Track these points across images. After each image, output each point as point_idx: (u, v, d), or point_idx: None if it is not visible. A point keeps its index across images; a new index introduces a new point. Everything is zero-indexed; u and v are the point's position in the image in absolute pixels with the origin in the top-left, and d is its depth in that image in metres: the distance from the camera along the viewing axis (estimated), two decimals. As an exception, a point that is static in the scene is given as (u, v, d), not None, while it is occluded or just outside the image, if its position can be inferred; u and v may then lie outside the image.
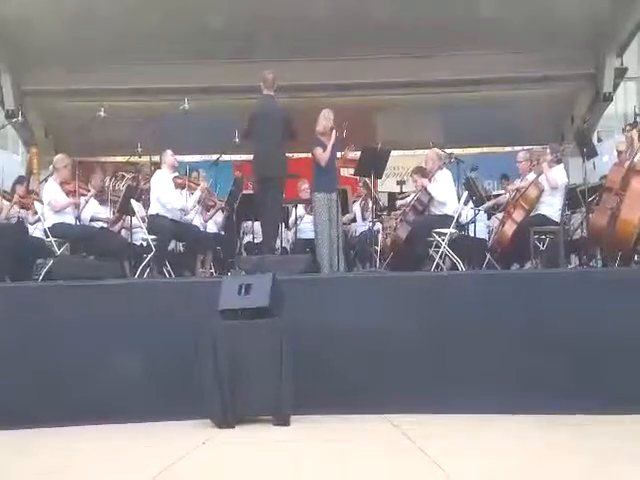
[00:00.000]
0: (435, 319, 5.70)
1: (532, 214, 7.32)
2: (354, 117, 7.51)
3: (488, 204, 8.07)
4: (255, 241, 8.23)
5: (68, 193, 7.49)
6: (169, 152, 7.64)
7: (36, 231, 7.59)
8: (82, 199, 7.59)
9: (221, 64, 9.16)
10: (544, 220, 7.28)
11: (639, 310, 5.59)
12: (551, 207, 7.31)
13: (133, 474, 3.77)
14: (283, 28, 8.52)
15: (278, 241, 7.40)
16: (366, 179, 8.04)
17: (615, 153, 7.66)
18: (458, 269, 7.23)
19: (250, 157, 7.48)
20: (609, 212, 6.76)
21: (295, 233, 8.30)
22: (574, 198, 7.68)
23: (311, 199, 7.32)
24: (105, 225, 7.95)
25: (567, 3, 8.45)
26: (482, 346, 5.59)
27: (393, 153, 7.94)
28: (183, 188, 7.72)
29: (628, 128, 7.44)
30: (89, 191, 7.75)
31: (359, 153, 7.41)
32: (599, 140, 10.47)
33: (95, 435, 5.12)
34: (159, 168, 7.75)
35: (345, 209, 7.77)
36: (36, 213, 7.65)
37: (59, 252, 7.24)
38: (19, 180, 8.07)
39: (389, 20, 8.51)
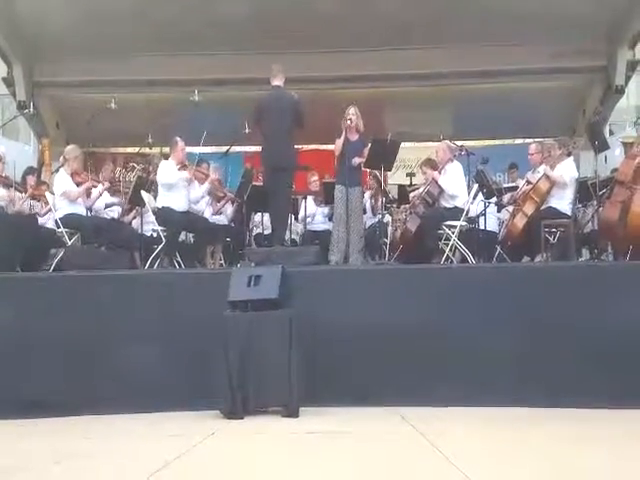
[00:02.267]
0: (445, 312, 5.70)
1: (543, 207, 7.29)
2: (363, 109, 7.47)
3: (505, 197, 8.03)
4: (265, 233, 8.24)
5: (79, 184, 7.51)
6: (180, 145, 7.49)
7: (48, 222, 7.62)
8: (94, 190, 7.62)
9: (231, 56, 9.13)
10: (555, 213, 7.24)
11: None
12: (562, 200, 7.27)
13: (142, 463, 3.79)
14: (293, 20, 8.49)
15: (288, 233, 7.39)
16: (376, 172, 8.02)
17: (622, 147, 7.60)
18: (468, 262, 7.21)
19: (260, 149, 7.48)
20: (620, 205, 6.74)
21: (305, 225, 8.30)
22: (585, 191, 7.64)
23: None
24: (119, 210, 7.97)
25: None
26: (493, 339, 5.58)
27: (403, 145, 7.92)
28: (191, 177, 7.69)
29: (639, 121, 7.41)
30: (99, 182, 7.78)
31: (369, 145, 7.41)
32: (611, 133, 10.41)
33: (103, 424, 5.15)
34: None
35: (362, 205, 7.75)
36: (47, 204, 7.68)
37: (70, 242, 7.27)
38: (29, 171, 8.11)
39: (399, 11, 8.47)
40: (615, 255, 7.28)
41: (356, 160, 7.15)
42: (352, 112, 7.21)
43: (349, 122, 7.12)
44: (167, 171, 7.45)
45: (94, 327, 5.71)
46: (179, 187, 7.43)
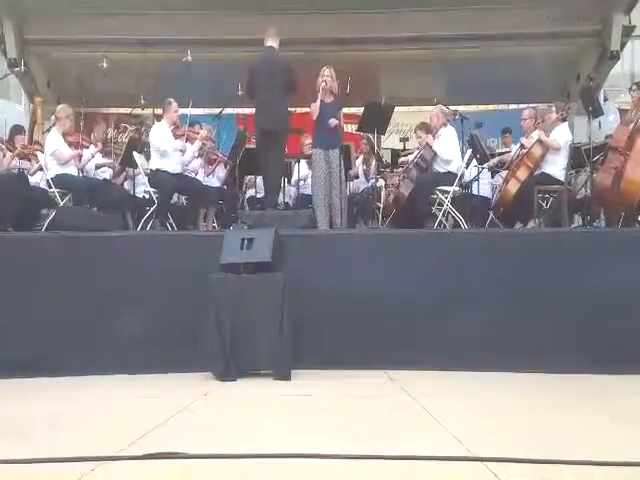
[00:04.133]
0: (436, 277, 5.75)
1: (536, 173, 7.29)
2: (357, 72, 7.44)
3: (492, 161, 8.02)
4: (257, 196, 8.21)
5: (70, 144, 7.46)
6: (173, 106, 7.46)
7: (41, 182, 7.57)
8: (86, 152, 7.57)
9: (225, 16, 8.99)
10: (548, 179, 7.25)
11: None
12: (555, 166, 7.27)
13: (136, 423, 3.82)
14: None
15: (281, 196, 7.37)
16: (369, 135, 7.98)
17: (619, 112, 7.58)
18: (461, 227, 7.22)
19: (253, 110, 7.42)
20: (613, 172, 6.74)
21: (298, 188, 8.29)
22: (578, 157, 7.62)
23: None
24: (111, 171, 7.92)
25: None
26: (483, 304, 5.64)
27: (397, 109, 7.87)
28: (183, 138, 7.65)
29: (634, 88, 7.37)
30: (91, 143, 7.72)
31: (362, 109, 7.37)
32: (605, 99, 10.34)
33: (97, 386, 5.17)
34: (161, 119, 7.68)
35: (348, 165, 7.72)
36: (37, 163, 7.62)
37: (62, 203, 7.24)
38: (17, 130, 8.01)
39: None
40: (607, 222, 7.30)
41: (333, 121, 7.05)
42: (327, 74, 7.13)
43: (323, 84, 7.04)
44: (160, 136, 7.40)
45: (86, 288, 5.72)
46: (172, 153, 7.39)
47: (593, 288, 5.59)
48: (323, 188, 7.01)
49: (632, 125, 6.73)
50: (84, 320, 5.63)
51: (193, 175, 7.85)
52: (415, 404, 4.32)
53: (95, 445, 3.34)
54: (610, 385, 5.10)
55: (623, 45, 9.64)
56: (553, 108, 7.55)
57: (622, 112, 7.31)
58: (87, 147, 7.67)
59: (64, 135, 7.46)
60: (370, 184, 8.01)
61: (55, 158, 7.30)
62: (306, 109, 7.37)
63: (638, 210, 6.85)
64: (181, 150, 7.51)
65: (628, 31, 9.63)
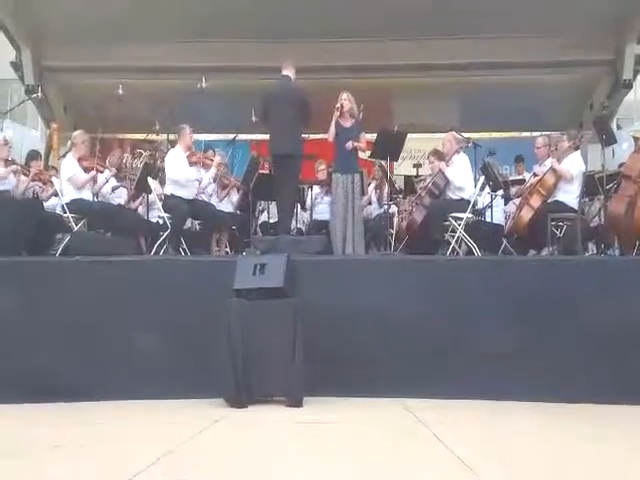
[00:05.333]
0: (450, 303, 5.69)
1: (550, 200, 7.28)
2: (371, 99, 7.47)
3: (515, 191, 8.01)
4: (271, 221, 8.23)
5: (86, 169, 7.52)
6: (187, 131, 7.55)
7: (57, 207, 7.62)
8: (101, 176, 7.63)
9: (239, 44, 9.11)
10: (561, 207, 7.22)
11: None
12: (569, 194, 7.24)
13: (145, 450, 3.79)
14: (301, 9, 8.46)
15: (294, 222, 7.39)
16: (382, 162, 8.01)
17: (632, 141, 7.58)
18: (474, 254, 7.20)
19: (267, 137, 7.48)
20: (627, 200, 6.72)
21: (311, 214, 8.30)
22: (592, 185, 7.61)
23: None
24: (125, 196, 7.97)
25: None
26: (497, 332, 5.57)
27: (410, 136, 7.90)
28: (198, 165, 7.71)
29: (648, 115, 7.39)
30: (106, 168, 7.78)
31: (375, 135, 7.40)
32: (618, 127, 10.39)
33: (109, 411, 5.16)
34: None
35: (361, 192, 7.74)
36: (52, 188, 7.68)
37: (77, 228, 7.28)
38: (34, 156, 8.10)
39: (407, 1, 8.43)
40: (622, 250, 7.26)
41: (350, 144, 7.10)
42: (344, 97, 7.17)
43: (340, 107, 7.08)
44: (175, 163, 7.45)
45: (99, 313, 5.70)
46: (186, 184, 7.46)
47: (609, 316, 5.52)
48: (342, 212, 7.03)
49: (645, 153, 6.73)
50: (98, 345, 5.60)
51: (208, 198, 7.87)
52: (428, 432, 4.28)
53: (103, 472, 3.32)
54: (623, 415, 5.02)
55: (636, 74, 9.70)
56: (565, 137, 7.55)
57: (635, 140, 7.28)
58: (102, 172, 7.72)
59: (79, 160, 7.52)
60: (383, 210, 8.02)
61: (71, 183, 7.35)
62: (320, 135, 7.42)
63: (652, 238, 6.82)
64: (197, 180, 7.57)
65: (641, 60, 9.67)
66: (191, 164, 7.63)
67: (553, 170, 7.26)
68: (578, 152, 7.50)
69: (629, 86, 9.77)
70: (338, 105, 7.12)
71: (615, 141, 7.76)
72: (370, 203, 8.58)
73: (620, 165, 7.71)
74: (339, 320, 5.58)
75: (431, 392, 5.40)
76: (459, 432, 4.34)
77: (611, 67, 9.77)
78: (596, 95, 10.04)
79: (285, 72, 7.20)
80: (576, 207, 7.24)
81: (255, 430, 4.54)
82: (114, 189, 7.96)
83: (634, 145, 7.22)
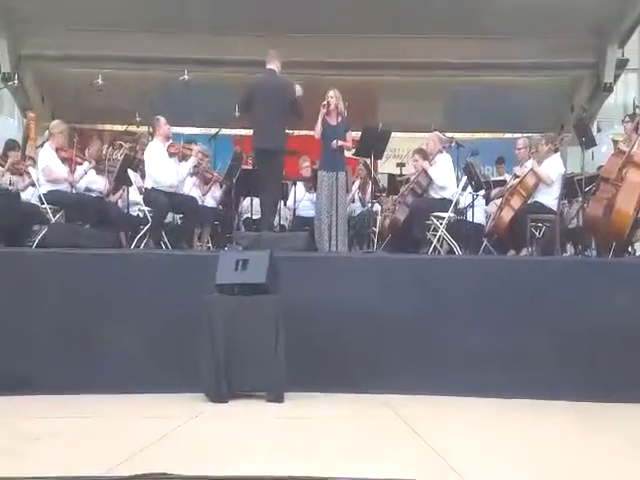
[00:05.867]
0: (431, 302, 5.74)
1: (529, 201, 7.34)
2: (355, 97, 7.47)
3: (495, 192, 8.07)
4: (253, 217, 8.19)
5: (64, 160, 7.41)
6: (162, 121, 7.46)
7: (32, 197, 7.50)
8: (79, 168, 7.52)
9: (223, 37, 9.04)
10: (541, 208, 7.29)
11: (631, 299, 5.63)
12: (548, 195, 7.33)
13: (125, 443, 3.77)
14: (287, 4, 8.41)
15: (277, 218, 7.36)
16: (366, 160, 8.01)
17: (611, 144, 7.67)
18: (455, 253, 7.24)
19: (250, 132, 7.43)
20: (605, 202, 6.78)
21: (294, 211, 8.28)
22: (571, 187, 7.68)
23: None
24: (100, 195, 7.88)
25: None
26: (476, 330, 5.63)
27: (394, 135, 7.91)
28: (178, 156, 7.62)
29: (627, 119, 7.47)
30: (86, 160, 7.68)
31: (360, 133, 7.40)
32: (598, 130, 10.49)
33: (90, 405, 5.09)
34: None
35: (346, 189, 7.73)
36: (29, 178, 7.56)
37: (54, 219, 7.17)
38: (11, 146, 7.96)
39: (395, 1, 8.44)
40: (599, 251, 7.34)
41: (335, 143, 7.09)
42: (331, 94, 7.17)
43: (327, 104, 7.07)
44: (155, 156, 7.37)
45: (78, 306, 5.64)
46: (167, 169, 7.37)
47: (585, 316, 5.60)
48: (327, 210, 7.02)
49: (624, 157, 6.79)
50: (77, 338, 5.54)
51: (189, 190, 7.81)
52: (406, 427, 4.30)
53: (83, 464, 3.29)
54: (601, 414, 5.10)
55: (617, 77, 9.78)
56: (543, 141, 7.63)
57: (615, 143, 7.37)
58: (80, 163, 7.61)
59: (57, 151, 7.40)
60: (366, 208, 8.03)
61: (45, 174, 7.24)
62: (305, 132, 7.39)
63: (628, 240, 6.90)
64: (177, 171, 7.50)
65: (622, 64, 9.78)
66: (171, 155, 7.54)
67: (533, 172, 7.32)
68: (558, 154, 7.57)
69: (610, 90, 9.86)
70: (325, 102, 7.10)
71: (595, 144, 7.84)
72: (353, 201, 8.59)
73: (599, 168, 7.79)
74: (321, 317, 5.60)
75: (413, 389, 5.43)
76: (438, 427, 4.36)
77: (593, 70, 9.85)
78: (577, 98, 10.13)
79: (270, 66, 7.16)
80: (555, 209, 7.31)
81: (233, 425, 4.52)
82: (88, 190, 7.80)
83: (613, 148, 7.30)
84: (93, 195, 7.74)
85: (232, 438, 4.07)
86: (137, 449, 3.59)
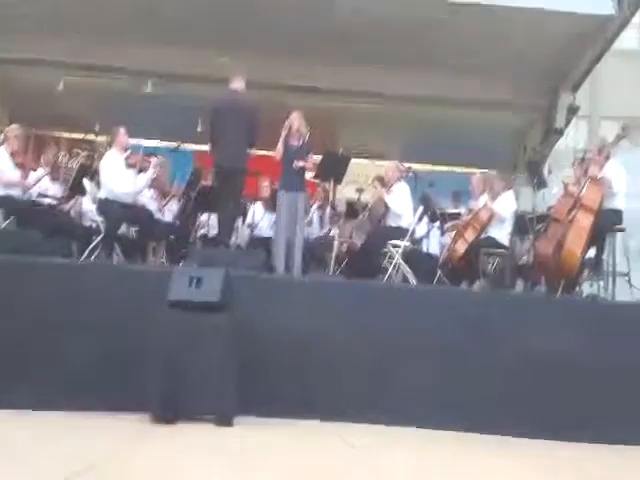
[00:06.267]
0: (384, 329, 5.74)
1: (483, 236, 7.49)
2: (318, 122, 7.50)
3: (448, 225, 8.19)
4: (210, 234, 8.13)
5: (18, 165, 7.27)
6: (122, 131, 7.39)
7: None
8: (33, 174, 7.37)
9: (189, 51, 8.96)
10: (493, 243, 7.45)
11: (578, 338, 5.75)
12: (501, 231, 7.51)
13: (61, 464, 3.65)
14: (255, 24, 8.44)
15: (234, 237, 7.32)
16: (325, 184, 8.06)
17: (562, 185, 7.88)
18: (410, 282, 7.31)
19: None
20: (555, 242, 6.93)
21: (252, 230, 8.25)
22: (523, 225, 7.85)
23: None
24: (53, 203, 7.72)
25: (531, 37, 8.65)
26: (427, 359, 5.66)
27: (354, 161, 7.98)
28: (136, 167, 7.54)
29: (577, 163, 7.69)
30: (40, 167, 7.53)
31: (320, 157, 7.45)
32: (549, 172, 10.73)
33: (28, 422, 4.85)
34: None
35: (304, 211, 7.75)
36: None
37: (3, 225, 7.00)
38: None
39: (358, 31, 8.53)
40: (548, 288, 7.50)
41: (298, 164, 7.11)
42: (294, 116, 7.23)
43: (289, 126, 7.11)
44: (111, 166, 7.27)
45: (23, 316, 5.43)
46: (123, 180, 7.28)
47: (530, 350, 5.67)
48: (285, 230, 7.01)
49: (573, 199, 6.99)
50: (18, 351, 5.33)
51: (148, 202, 7.70)
52: (359, 457, 4.28)
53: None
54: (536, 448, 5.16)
55: (568, 122, 10.05)
56: (499, 177, 7.80)
57: (565, 185, 7.59)
58: (35, 170, 7.47)
59: (12, 155, 7.26)
60: (324, 232, 8.06)
61: (-1, 179, 7.08)
62: (265, 152, 7.40)
63: (576, 280, 7.07)
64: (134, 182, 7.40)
65: (573, 110, 10.06)
66: (129, 166, 7.46)
67: (487, 207, 7.48)
68: (511, 192, 7.77)
69: (560, 133, 10.13)
70: (287, 124, 7.13)
71: (546, 185, 8.05)
72: (311, 224, 8.62)
73: (549, 208, 7.99)
74: (275, 339, 5.53)
75: (366, 418, 5.41)
76: (388, 458, 4.35)
77: (545, 114, 10.11)
78: (529, 139, 10.38)
79: (234, 85, 7.16)
80: (507, 244, 7.46)
81: (178, 449, 4.38)
82: (41, 196, 7.64)
83: (563, 190, 7.51)
84: (46, 202, 7.58)
85: (173, 463, 3.97)
86: (75, 471, 3.48)
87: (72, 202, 7.93)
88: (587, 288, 7.59)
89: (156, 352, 5.13)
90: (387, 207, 7.56)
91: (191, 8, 8.16)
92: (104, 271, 6.08)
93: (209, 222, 8.23)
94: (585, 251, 6.78)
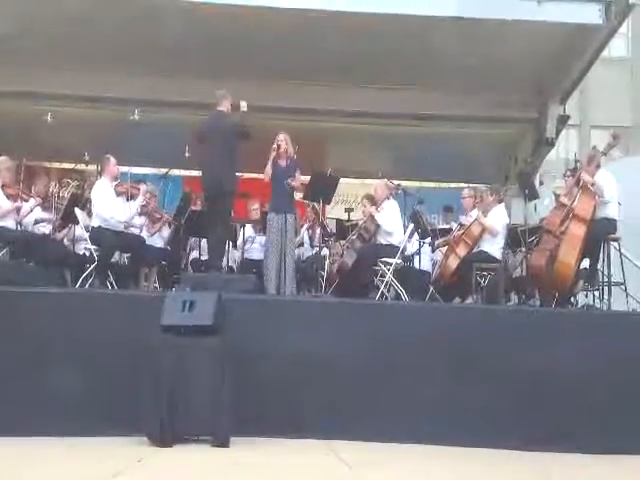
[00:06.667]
0: (377, 347, 5.77)
1: (475, 250, 7.49)
2: (305, 142, 7.54)
3: (439, 242, 8.21)
4: (201, 258, 8.15)
5: (9, 197, 7.29)
6: (112, 161, 7.45)
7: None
8: (25, 205, 7.40)
9: (174, 79, 9.05)
10: (486, 257, 7.43)
11: (573, 350, 5.76)
12: (493, 245, 7.49)
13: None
14: (239, 48, 8.50)
15: (225, 260, 7.34)
16: (315, 204, 8.09)
17: (553, 197, 7.90)
18: (402, 299, 7.31)
19: (200, 173, 7.44)
20: (547, 254, 6.94)
21: (242, 253, 8.27)
22: (515, 237, 7.86)
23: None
24: (49, 227, 7.75)
25: (517, 49, 8.70)
26: (421, 376, 5.68)
27: (342, 180, 8.03)
28: (125, 196, 7.59)
29: (568, 174, 7.71)
30: (32, 197, 7.56)
31: (309, 178, 7.49)
32: (541, 183, 10.77)
33: (26, 449, 4.91)
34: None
35: (294, 232, 7.76)
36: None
37: (-3, 256, 7.02)
38: None
39: (344, 50, 8.57)
40: (542, 301, 7.50)
41: (289, 182, 7.14)
42: (281, 138, 7.26)
43: (276, 147, 7.15)
44: (102, 195, 7.32)
45: (19, 345, 5.52)
46: (114, 208, 7.31)
47: (526, 363, 5.71)
48: (275, 252, 7.03)
49: (565, 210, 7.00)
50: (15, 380, 5.41)
51: (138, 230, 7.74)
52: (350, 473, 4.29)
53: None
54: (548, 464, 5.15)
55: (558, 133, 10.10)
56: (488, 192, 7.82)
57: (556, 197, 7.60)
58: (27, 200, 7.50)
59: (3, 187, 7.29)
60: (315, 252, 8.08)
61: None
62: (254, 175, 7.43)
63: (571, 291, 7.07)
64: (125, 222, 7.46)
65: (563, 120, 10.11)
66: (118, 194, 7.50)
67: (479, 222, 7.49)
68: (502, 205, 7.78)
69: (552, 144, 10.14)
70: (275, 145, 7.17)
71: (537, 196, 8.06)
72: (303, 244, 8.64)
73: (541, 220, 8.01)
74: (268, 360, 5.58)
75: (360, 435, 5.43)
76: (380, 473, 4.35)
77: (535, 125, 10.15)
78: (520, 151, 10.42)
79: (220, 107, 7.21)
80: (500, 258, 7.46)
81: (177, 471, 4.43)
82: (37, 222, 7.70)
83: (555, 201, 7.52)
84: (39, 232, 7.61)
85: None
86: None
87: (65, 231, 7.95)
88: (582, 299, 7.60)
89: (152, 376, 5.18)
90: (377, 225, 7.56)
91: (175, 37, 8.21)
92: (98, 298, 6.15)
93: (200, 246, 8.25)
94: (579, 261, 6.78)
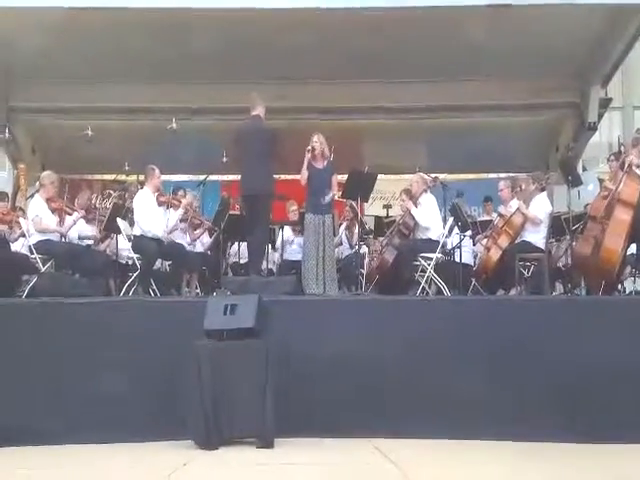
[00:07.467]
0: (421, 343, 5.70)
1: (517, 241, 7.37)
2: (341, 141, 7.55)
3: (480, 236, 8.11)
4: (241, 262, 8.21)
5: (54, 210, 7.46)
6: (157, 172, 7.54)
7: (22, 248, 7.53)
8: (69, 218, 7.57)
9: (209, 85, 9.17)
10: (529, 247, 7.30)
11: (622, 338, 5.62)
12: (536, 234, 7.33)
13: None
14: (270, 52, 8.57)
15: (264, 262, 7.38)
16: (352, 202, 8.07)
17: (597, 182, 7.73)
18: (444, 294, 7.24)
19: (238, 177, 7.49)
20: (593, 241, 6.78)
21: (282, 254, 8.30)
22: (558, 226, 7.73)
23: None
24: (91, 243, 7.91)
25: (554, 33, 8.54)
26: (467, 371, 5.59)
27: (380, 177, 7.99)
28: (166, 206, 7.70)
29: (612, 158, 7.53)
30: (75, 210, 7.72)
31: (346, 176, 7.47)
32: (584, 169, 10.55)
33: (77, 455, 5.04)
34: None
35: (332, 232, 7.76)
36: (20, 229, 7.60)
37: (44, 269, 7.18)
38: (0, 197, 8.03)
39: (375, 46, 8.58)
40: (588, 289, 7.35)
41: (326, 198, 7.13)
42: (315, 139, 7.23)
43: (311, 149, 7.15)
44: (144, 205, 7.44)
45: (67, 354, 5.63)
46: (156, 218, 7.43)
47: (574, 355, 5.57)
48: (315, 254, 7.04)
49: (610, 195, 6.84)
50: (66, 388, 5.51)
51: (181, 239, 7.85)
52: (396, 472, 4.26)
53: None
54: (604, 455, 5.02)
55: (600, 116, 9.90)
56: (530, 180, 7.67)
57: (601, 182, 7.43)
58: (70, 214, 7.67)
59: (48, 201, 7.46)
60: (354, 250, 8.06)
61: (35, 224, 7.26)
62: (292, 176, 7.45)
63: (618, 278, 6.91)
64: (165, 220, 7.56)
65: (605, 103, 9.93)
66: (160, 204, 7.62)
67: (521, 212, 7.36)
68: (544, 193, 7.62)
69: (594, 128, 9.97)
70: (310, 147, 7.17)
71: (581, 182, 7.89)
72: (341, 243, 8.63)
73: (586, 206, 7.85)
74: (311, 360, 5.56)
75: (403, 433, 5.38)
76: (427, 471, 4.30)
77: (576, 110, 9.97)
78: (562, 137, 10.26)
79: (255, 112, 7.25)
80: (543, 247, 7.32)
81: (224, 473, 4.47)
82: (81, 238, 7.86)
83: (599, 186, 7.35)
84: (83, 244, 7.77)
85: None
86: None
87: (107, 241, 8.11)
88: (630, 285, 7.42)
89: (196, 380, 5.23)
90: (415, 220, 7.50)
91: (207, 45, 8.30)
92: (142, 306, 6.23)
93: (240, 250, 8.32)
94: (625, 248, 6.61)
